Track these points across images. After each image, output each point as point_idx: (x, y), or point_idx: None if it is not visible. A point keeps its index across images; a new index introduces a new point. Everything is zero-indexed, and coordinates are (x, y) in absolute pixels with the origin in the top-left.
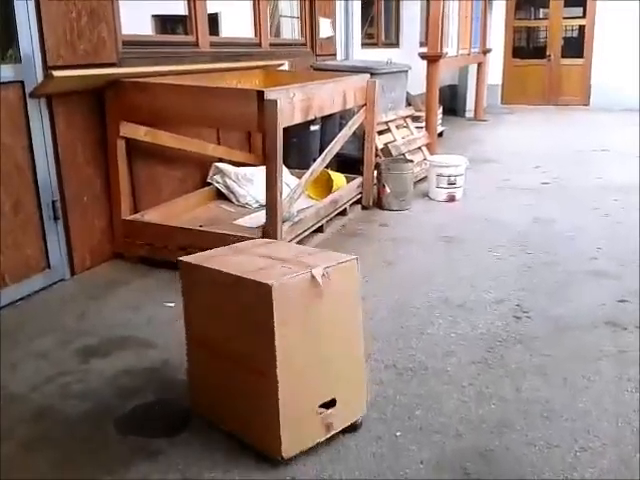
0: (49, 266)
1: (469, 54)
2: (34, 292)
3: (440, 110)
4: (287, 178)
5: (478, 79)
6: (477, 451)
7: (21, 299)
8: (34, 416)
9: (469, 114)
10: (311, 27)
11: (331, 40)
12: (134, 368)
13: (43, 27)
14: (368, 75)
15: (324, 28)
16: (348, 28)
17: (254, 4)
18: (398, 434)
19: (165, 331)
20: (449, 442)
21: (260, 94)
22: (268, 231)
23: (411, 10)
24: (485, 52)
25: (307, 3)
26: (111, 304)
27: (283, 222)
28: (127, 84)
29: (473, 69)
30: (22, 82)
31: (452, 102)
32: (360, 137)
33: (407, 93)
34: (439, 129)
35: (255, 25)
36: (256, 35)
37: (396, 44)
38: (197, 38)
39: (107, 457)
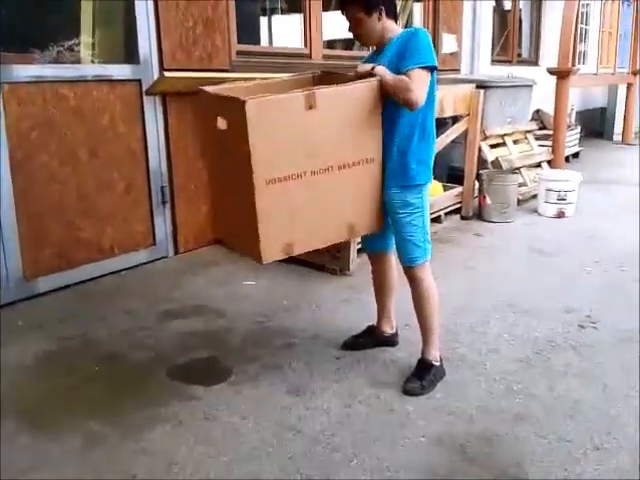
0: (154, 243)
1: (613, 73)
2: (139, 264)
3: (577, 130)
4: None
5: (627, 101)
6: (484, 435)
7: (126, 269)
8: (104, 358)
9: (617, 137)
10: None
11: (455, 56)
12: (201, 331)
13: (161, 33)
14: (472, 85)
15: (447, 43)
16: (474, 44)
17: None
18: (410, 409)
19: (237, 305)
20: (459, 424)
21: None
22: None
23: (555, 28)
24: (636, 72)
25: (430, 18)
26: (200, 280)
27: None
28: None
29: (623, 91)
30: (139, 80)
31: (601, 125)
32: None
33: (539, 111)
34: (575, 149)
35: None
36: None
37: (534, 62)
38: (310, 50)
39: (149, 394)
